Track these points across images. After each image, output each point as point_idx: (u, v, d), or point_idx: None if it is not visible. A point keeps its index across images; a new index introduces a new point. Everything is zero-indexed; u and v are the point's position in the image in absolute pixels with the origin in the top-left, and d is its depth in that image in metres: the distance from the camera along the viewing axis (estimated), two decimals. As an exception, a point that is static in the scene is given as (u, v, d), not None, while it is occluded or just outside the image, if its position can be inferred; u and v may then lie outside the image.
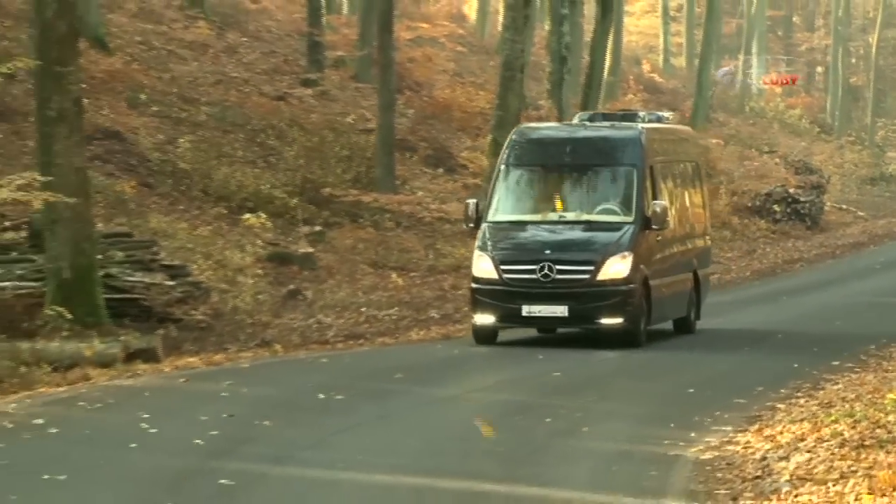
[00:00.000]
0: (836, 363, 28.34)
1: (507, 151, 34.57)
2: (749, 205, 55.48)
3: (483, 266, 32.45)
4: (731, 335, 34.53)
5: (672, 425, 22.72)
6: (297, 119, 51.03)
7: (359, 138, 51.19)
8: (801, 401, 24.83)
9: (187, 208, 41.88)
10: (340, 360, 30.22)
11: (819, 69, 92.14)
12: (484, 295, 32.11)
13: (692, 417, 23.33)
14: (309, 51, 55.24)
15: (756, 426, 22.68)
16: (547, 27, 55.96)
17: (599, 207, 33.26)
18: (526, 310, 31.25)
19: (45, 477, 17.19)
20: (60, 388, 24.04)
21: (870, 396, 23.94)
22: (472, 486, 17.75)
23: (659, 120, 35.78)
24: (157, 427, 20.59)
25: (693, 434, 22.09)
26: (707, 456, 20.77)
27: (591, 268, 31.55)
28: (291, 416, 21.89)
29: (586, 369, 29.63)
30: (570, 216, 33.48)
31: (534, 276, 31.26)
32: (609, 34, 51.78)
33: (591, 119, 36.50)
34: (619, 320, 31.44)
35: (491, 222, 33.30)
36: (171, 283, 33.22)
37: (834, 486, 17.85)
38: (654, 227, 32.16)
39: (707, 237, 38.45)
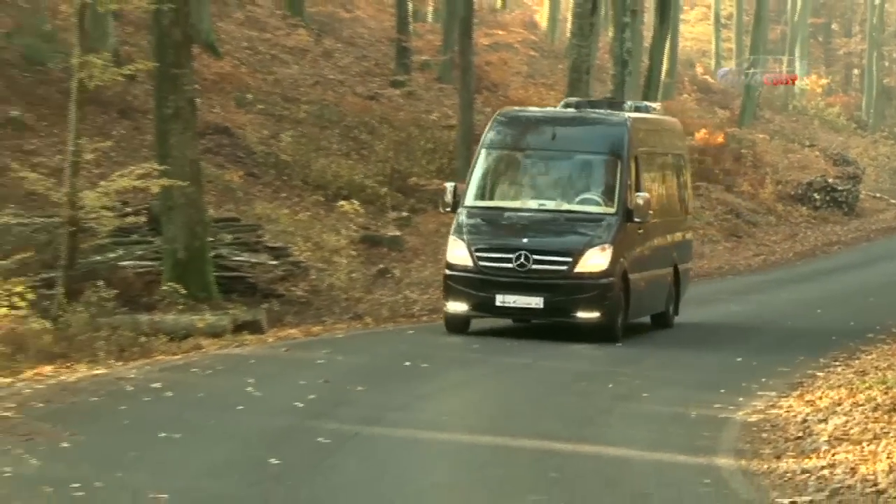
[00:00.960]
0: (870, 336, 28.18)
1: (488, 134, 29.95)
2: (792, 193, 55.17)
3: (457, 252, 28.11)
4: (774, 311, 34.00)
5: (722, 391, 22.67)
6: (387, 116, 51.04)
7: (441, 133, 51.09)
8: (839, 369, 24.72)
9: (288, 196, 41.86)
10: (425, 331, 30.11)
11: (856, 71, 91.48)
12: (457, 282, 27.84)
13: (740, 384, 23.26)
14: (397, 55, 55.14)
15: (797, 392, 22.60)
16: (610, 34, 55.66)
17: (581, 197, 28.92)
18: (500, 299, 27.12)
19: (162, 435, 17.22)
20: (175, 356, 24.09)
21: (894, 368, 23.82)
22: (543, 445, 17.74)
23: (645, 110, 31.55)
24: (261, 391, 20.63)
25: (741, 399, 22.03)
26: (753, 419, 20.70)
27: (569, 259, 27.39)
28: (381, 382, 21.92)
29: (647, 341, 29.30)
30: (550, 205, 28.97)
31: (509, 266, 27.14)
32: (666, 40, 51.55)
33: (577, 106, 31.76)
34: (595, 315, 27.33)
35: (468, 207, 28.86)
36: (273, 262, 33.35)
37: (868, 445, 17.75)
38: (636, 219, 28.02)
39: (689, 230, 34.47)
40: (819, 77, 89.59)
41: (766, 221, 51.18)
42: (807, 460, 17.41)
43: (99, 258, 30.04)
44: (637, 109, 30.95)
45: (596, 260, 27.07)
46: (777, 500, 15.36)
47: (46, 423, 17.50)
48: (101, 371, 22.90)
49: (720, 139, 55.75)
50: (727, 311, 33.52)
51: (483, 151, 29.51)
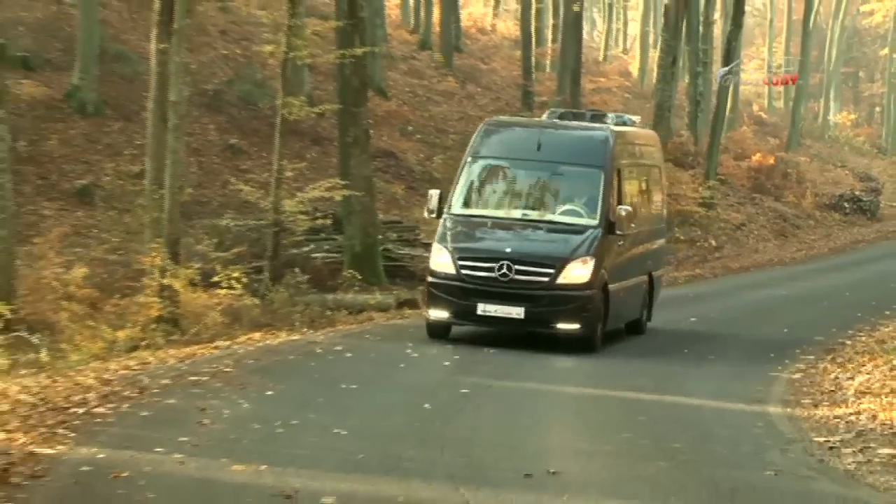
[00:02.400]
0: (888, 313, 27.87)
1: (475, 143, 24.43)
2: (827, 203, 54.57)
3: (440, 259, 22.67)
4: (812, 293, 33.65)
5: (772, 355, 22.50)
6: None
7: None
8: (863, 338, 24.48)
9: (440, 204, 42.02)
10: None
11: (877, 108, 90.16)
12: (439, 289, 22.42)
13: (786, 350, 23.06)
14: (522, 97, 54.85)
15: (830, 356, 22.38)
16: (686, 80, 55.38)
17: (563, 208, 23.46)
18: (481, 308, 21.86)
19: (343, 385, 17.29)
20: (353, 326, 24.21)
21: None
22: (632, 396, 17.70)
23: (626, 123, 26.39)
24: (417, 353, 20.69)
25: (786, 361, 21.85)
26: (796, 376, 20.53)
27: (552, 271, 22.05)
28: (510, 346, 21.86)
29: (714, 314, 28.92)
30: (534, 215, 23.47)
31: (491, 275, 21.89)
32: (730, 87, 51.04)
33: (561, 117, 26.89)
34: (575, 326, 22.06)
35: (452, 215, 23.30)
36: (427, 254, 33.43)
37: (886, 397, 17.61)
38: (617, 232, 22.84)
39: (664, 238, 28.86)
40: (849, 113, 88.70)
41: (807, 224, 50.66)
42: (837, 409, 17.29)
43: (295, 251, 30.25)
44: (619, 122, 25.85)
45: (578, 272, 21.94)
46: (814, 438, 15.26)
47: (256, 375, 17.63)
48: (296, 337, 23.04)
49: (771, 161, 55.23)
50: (777, 294, 33.16)
51: (469, 160, 23.97)
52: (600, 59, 72.73)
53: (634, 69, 73.11)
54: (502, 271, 21.56)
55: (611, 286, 22.76)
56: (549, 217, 23.01)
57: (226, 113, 40.56)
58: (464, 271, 21.92)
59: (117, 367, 18.32)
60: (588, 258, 21.95)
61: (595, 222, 22.51)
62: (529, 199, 23.83)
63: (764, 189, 52.01)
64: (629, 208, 22.92)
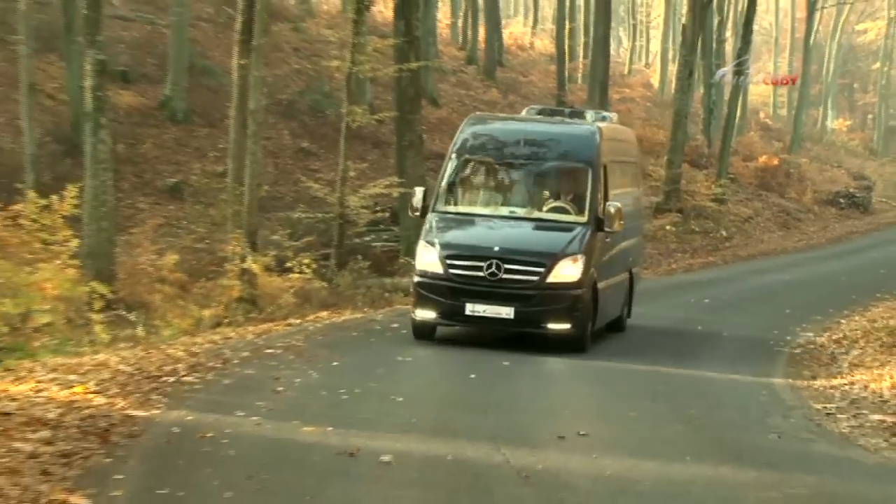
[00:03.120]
0: (878, 295, 27.69)
1: (459, 139, 21.10)
2: (825, 198, 54.14)
3: (427, 259, 19.33)
4: (812, 278, 33.38)
5: (776, 332, 22.38)
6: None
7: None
8: (856, 318, 24.35)
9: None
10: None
11: (870, 116, 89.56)
12: (426, 289, 19.07)
13: (788, 327, 22.94)
14: (557, 106, 54.90)
15: (827, 333, 22.28)
16: (701, 90, 55.08)
17: (551, 205, 20.23)
18: (469, 308, 18.68)
19: (399, 358, 17.35)
20: (408, 306, 24.10)
21: (899, 316, 23.52)
22: (653, 368, 17.65)
23: (604, 119, 23.33)
24: (463, 330, 20.68)
25: (788, 337, 21.75)
26: (797, 351, 20.45)
27: (542, 269, 18.83)
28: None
29: (723, 296, 28.79)
30: (521, 212, 20.09)
31: (480, 274, 18.65)
32: (739, 95, 50.76)
33: (539, 113, 23.95)
34: (566, 326, 18.86)
35: (438, 212, 20.08)
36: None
37: (876, 370, 17.52)
38: (606, 229, 19.62)
39: (642, 235, 26.05)
40: (844, 120, 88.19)
41: (807, 218, 50.29)
42: (833, 380, 17.24)
43: (358, 241, 30.37)
44: (598, 119, 22.99)
45: (568, 270, 18.78)
46: (813, 406, 15.21)
47: (323, 349, 17.69)
48: (359, 315, 23.10)
49: (776, 162, 54.89)
50: (780, 279, 32.93)
51: (454, 157, 20.65)
52: (625, 72, 72.35)
53: (655, 81, 72.73)
54: (491, 270, 18.37)
55: (599, 284, 19.87)
56: (537, 214, 19.75)
57: (298, 120, 40.68)
58: (451, 270, 18.65)
59: (203, 342, 18.40)
60: (578, 256, 18.73)
61: (584, 219, 19.27)
62: (516, 196, 20.43)
63: (769, 186, 51.72)
64: (618, 205, 19.58)
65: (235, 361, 16.36)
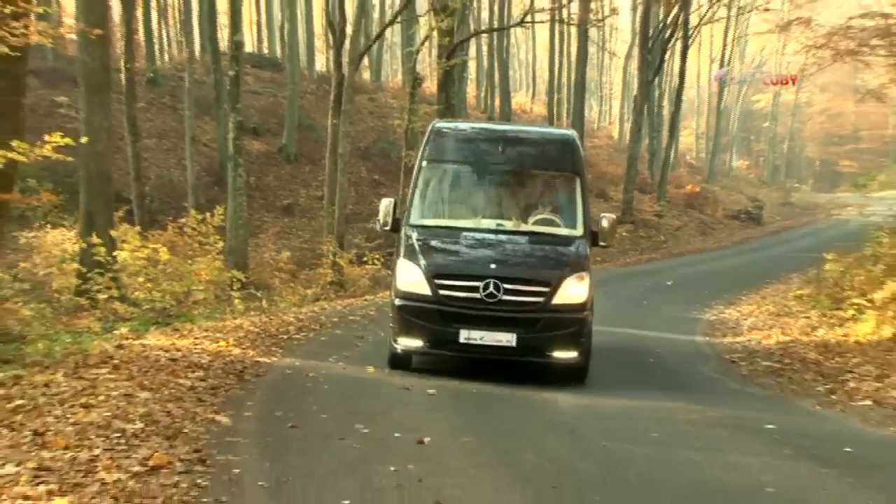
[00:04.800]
0: (769, 280, 27.41)
1: (429, 146, 13.75)
2: (731, 214, 53.50)
3: (410, 279, 11.98)
4: (723, 269, 32.95)
5: (698, 305, 22.14)
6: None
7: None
8: (752, 296, 24.12)
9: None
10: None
11: (762, 158, 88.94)
12: (411, 314, 11.91)
13: (707, 302, 22.72)
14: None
15: (733, 306, 22.05)
16: (647, 140, 54.74)
17: (538, 217, 13.24)
18: (464, 335, 11.76)
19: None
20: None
21: (783, 294, 23.23)
22: (613, 329, 17.47)
23: None
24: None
25: (706, 309, 21.49)
26: (712, 318, 20.21)
27: (546, 289, 11.85)
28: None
29: (665, 281, 28.48)
30: (508, 225, 12.94)
31: (476, 296, 11.73)
32: (672, 144, 50.40)
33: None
34: (572, 354, 11.96)
35: (415, 226, 12.92)
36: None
37: (766, 331, 17.35)
38: (601, 243, 12.78)
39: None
40: (744, 160, 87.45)
41: (719, 227, 49.70)
42: (737, 338, 17.07)
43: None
44: None
45: (574, 290, 11.98)
46: (723, 355, 15.06)
47: (390, 316, 17.58)
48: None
49: (698, 189, 54.29)
50: (701, 269, 32.61)
51: (425, 164, 13.45)
52: (595, 127, 71.93)
53: (616, 134, 72.38)
54: (489, 291, 11.49)
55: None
56: (525, 227, 12.60)
57: (371, 160, 40.63)
58: (442, 292, 11.57)
59: (307, 311, 18.39)
60: (584, 274, 11.91)
61: (579, 233, 12.48)
62: (500, 207, 13.04)
63: (693, 206, 51.20)
64: (612, 217, 12.80)
65: (329, 325, 16.35)
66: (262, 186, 35.77)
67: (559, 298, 11.52)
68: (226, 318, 16.78)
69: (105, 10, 19.55)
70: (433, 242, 12.09)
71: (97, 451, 6.59)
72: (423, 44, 32.60)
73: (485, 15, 49.58)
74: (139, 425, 7.54)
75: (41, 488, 5.54)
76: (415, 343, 11.57)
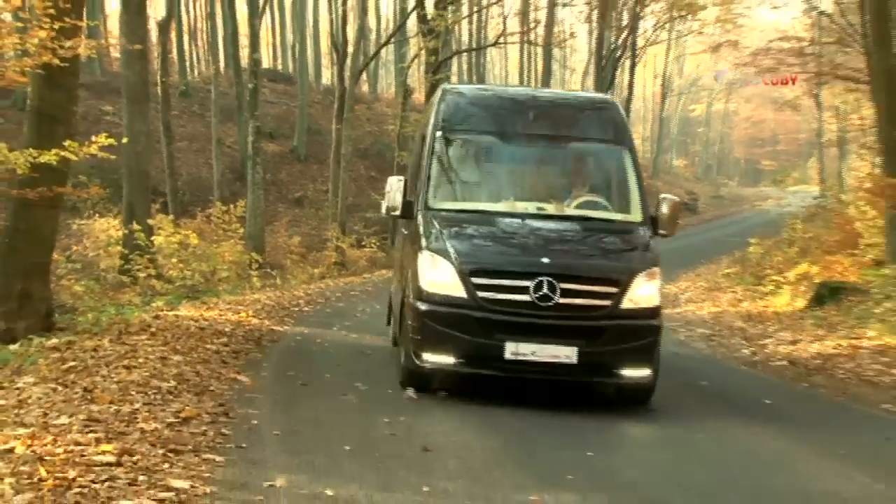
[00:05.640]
0: (702, 261, 27.42)
1: (441, 111, 7.91)
2: (671, 205, 53.77)
3: (437, 277, 6.83)
4: (662, 252, 32.55)
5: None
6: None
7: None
8: (690, 274, 24.15)
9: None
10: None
11: (696, 158, 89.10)
12: (441, 321, 6.76)
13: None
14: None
15: (672, 283, 22.00)
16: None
17: (581, 199, 7.72)
18: (511, 350, 6.63)
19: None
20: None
21: (714, 272, 23.22)
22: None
23: None
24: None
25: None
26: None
27: (615, 290, 6.81)
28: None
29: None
30: (550, 208, 7.51)
31: (525, 298, 6.59)
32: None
33: None
34: (645, 373, 7.03)
35: (436, 210, 7.37)
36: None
37: (700, 303, 17.36)
38: (661, 232, 7.70)
39: None
40: (683, 161, 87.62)
41: (661, 216, 49.96)
42: (676, 309, 17.08)
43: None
44: None
45: (646, 291, 7.12)
46: (665, 324, 15.03)
47: (384, 291, 17.12)
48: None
49: (644, 184, 54.63)
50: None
51: (438, 135, 7.95)
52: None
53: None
54: (542, 292, 7.03)
55: None
56: (572, 212, 8.00)
57: (370, 159, 40.44)
58: (481, 294, 7.11)
59: (314, 288, 18.36)
60: (655, 270, 7.68)
61: (638, 218, 8.22)
62: (535, 186, 8.44)
63: (639, 198, 51.42)
64: (676, 199, 8.59)
65: (332, 299, 16.31)
66: (276, 182, 35.58)
67: (629, 301, 7.37)
68: (246, 294, 16.73)
69: (144, 31, 19.40)
70: (464, 231, 7.58)
71: (137, 405, 6.57)
72: (412, 61, 32.46)
73: (465, 37, 49.24)
74: (172, 383, 7.51)
75: (90, 436, 5.53)
76: (445, 359, 7.33)
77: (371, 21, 51.96)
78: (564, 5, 35.69)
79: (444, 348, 7.25)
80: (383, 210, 8.18)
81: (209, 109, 34.05)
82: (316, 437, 6.37)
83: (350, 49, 28.82)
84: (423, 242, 7.45)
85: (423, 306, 7.25)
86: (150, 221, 18.34)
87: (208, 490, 4.94)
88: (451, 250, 7.25)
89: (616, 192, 8.40)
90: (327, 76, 56.00)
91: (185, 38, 47.66)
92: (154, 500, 4.67)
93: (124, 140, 16.98)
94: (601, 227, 7.93)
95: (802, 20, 28.15)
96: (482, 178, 8.46)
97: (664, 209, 8.18)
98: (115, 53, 37.09)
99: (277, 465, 5.58)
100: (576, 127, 8.64)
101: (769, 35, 26.54)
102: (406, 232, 8.36)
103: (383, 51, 51.75)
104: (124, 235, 18.09)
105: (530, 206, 7.99)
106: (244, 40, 35.97)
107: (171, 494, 4.76)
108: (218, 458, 5.58)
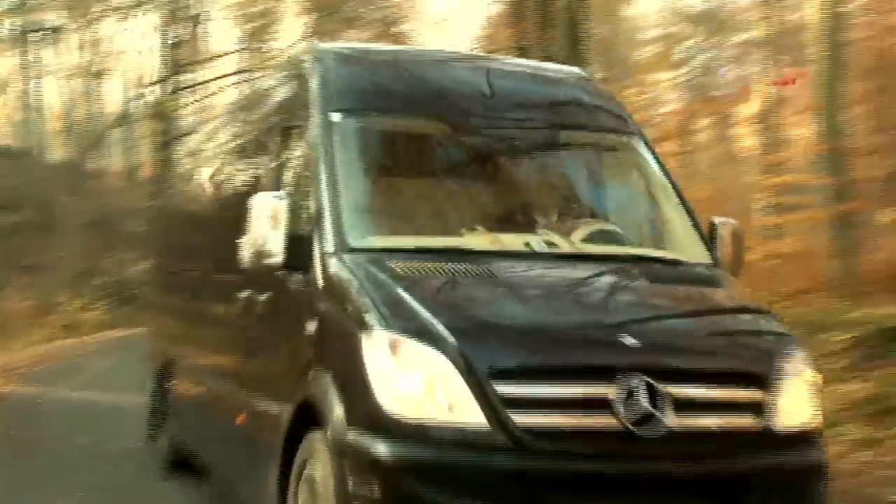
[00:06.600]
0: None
1: (334, 84, 1.89)
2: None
3: (416, 386, 1.52)
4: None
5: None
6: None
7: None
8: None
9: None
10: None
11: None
12: (430, 483, 1.48)
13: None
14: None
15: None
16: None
17: (591, 227, 2.01)
18: None
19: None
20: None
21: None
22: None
23: None
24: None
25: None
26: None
27: (759, 395, 1.53)
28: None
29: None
30: (562, 243, 1.85)
31: (606, 422, 1.44)
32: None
33: None
34: None
35: (369, 252, 1.76)
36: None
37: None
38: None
39: None
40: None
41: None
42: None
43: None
44: None
45: (801, 394, 1.65)
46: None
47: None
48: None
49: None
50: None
51: (337, 121, 1.89)
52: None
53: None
54: (639, 405, 1.65)
55: None
56: (609, 250, 2.25)
57: (100, 229, 36.99)
58: (519, 417, 1.70)
59: (41, 349, 16.12)
60: (802, 352, 1.92)
61: (707, 257, 2.41)
62: (516, 206, 2.42)
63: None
64: (735, 223, 2.58)
65: (58, 358, 14.33)
66: (11, 250, 31.27)
67: (784, 416, 2.61)
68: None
69: None
70: (447, 288, 2.79)
71: None
72: (140, 141, 30.28)
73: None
74: None
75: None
76: None
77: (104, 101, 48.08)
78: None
79: None
80: (245, 257, 3.16)
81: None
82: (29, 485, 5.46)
83: (80, 129, 26.46)
84: (372, 316, 2.73)
85: (386, 452, 2.50)
86: None
87: None
88: (441, 328, 2.59)
89: (641, 212, 3.70)
90: (59, 151, 50.83)
91: None
92: None
93: None
94: (664, 274, 3.19)
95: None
96: (427, 193, 3.47)
97: (723, 240, 3.39)
98: None
99: None
100: (560, 111, 3.69)
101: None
102: (282, 298, 3.32)
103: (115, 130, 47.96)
104: None
105: (533, 240, 3.16)
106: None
107: None
108: None
